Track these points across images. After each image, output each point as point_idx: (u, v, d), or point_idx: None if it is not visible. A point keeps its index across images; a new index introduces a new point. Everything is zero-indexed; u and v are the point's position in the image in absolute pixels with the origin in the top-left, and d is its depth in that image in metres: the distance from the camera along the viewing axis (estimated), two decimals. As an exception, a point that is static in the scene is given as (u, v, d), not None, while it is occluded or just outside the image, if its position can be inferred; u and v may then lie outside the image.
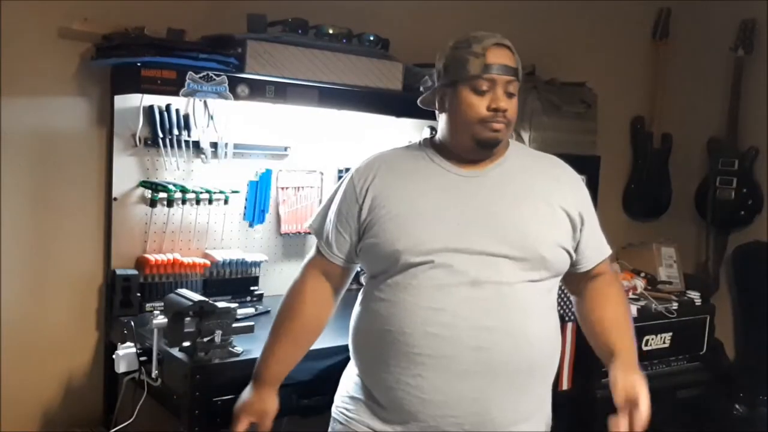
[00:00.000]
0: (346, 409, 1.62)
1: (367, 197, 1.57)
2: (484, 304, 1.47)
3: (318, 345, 2.02)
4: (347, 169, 2.68)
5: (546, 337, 1.56)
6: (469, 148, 1.56)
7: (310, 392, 2.00)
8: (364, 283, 1.66)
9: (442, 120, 1.61)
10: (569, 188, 1.62)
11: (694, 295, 3.07)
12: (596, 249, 1.65)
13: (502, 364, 1.48)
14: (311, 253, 1.70)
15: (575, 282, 1.70)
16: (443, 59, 1.57)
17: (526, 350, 1.50)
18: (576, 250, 1.61)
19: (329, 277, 1.66)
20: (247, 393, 1.68)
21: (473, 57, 1.50)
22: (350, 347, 1.65)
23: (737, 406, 3.31)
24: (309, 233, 2.67)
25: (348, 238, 1.60)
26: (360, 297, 1.65)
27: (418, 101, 1.75)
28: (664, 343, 2.86)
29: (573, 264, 1.62)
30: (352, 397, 1.62)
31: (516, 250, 1.50)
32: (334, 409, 1.67)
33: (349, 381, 1.65)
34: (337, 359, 2.01)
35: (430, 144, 1.64)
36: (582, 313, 1.69)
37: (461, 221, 1.51)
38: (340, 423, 1.62)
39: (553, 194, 1.58)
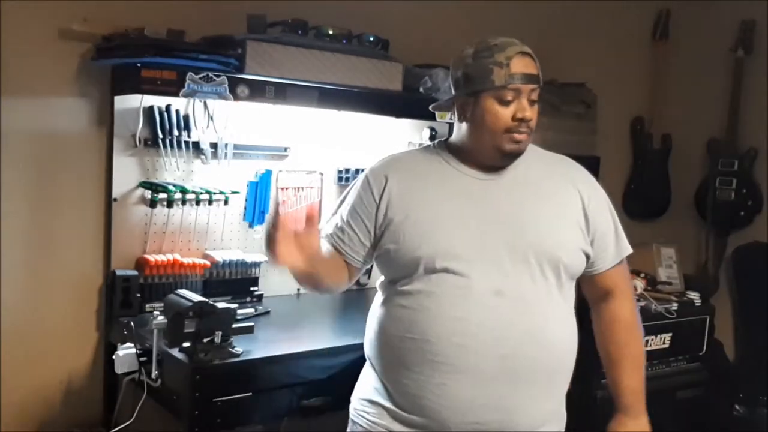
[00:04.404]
0: (366, 413, 1.60)
1: (383, 198, 1.56)
2: (508, 313, 1.47)
3: (318, 345, 2.04)
4: (347, 170, 2.72)
5: (566, 340, 1.57)
6: (493, 157, 1.55)
7: (310, 392, 2.00)
8: (378, 288, 1.65)
9: (461, 128, 1.59)
10: (585, 188, 1.61)
11: (694, 296, 3.07)
12: (612, 250, 1.64)
13: (526, 371, 1.49)
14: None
15: (590, 288, 1.69)
16: (462, 68, 1.54)
17: (548, 355, 1.51)
18: (592, 250, 1.60)
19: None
20: None
21: (497, 67, 1.48)
22: (369, 351, 1.64)
23: (737, 407, 3.31)
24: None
25: (364, 240, 1.58)
26: (378, 301, 1.63)
27: (432, 107, 1.74)
28: (664, 343, 2.86)
29: (589, 265, 1.62)
30: (371, 401, 1.60)
31: (536, 254, 1.50)
32: (352, 411, 1.66)
33: (368, 384, 1.64)
34: (336, 360, 2.01)
35: (446, 147, 1.63)
36: (595, 335, 1.71)
37: (481, 226, 1.50)
38: (361, 426, 1.61)
39: (569, 195, 1.58)
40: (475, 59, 1.52)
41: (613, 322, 1.67)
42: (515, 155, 1.54)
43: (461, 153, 1.59)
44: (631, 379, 1.66)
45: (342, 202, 1.65)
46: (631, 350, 1.67)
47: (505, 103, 1.49)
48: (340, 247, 1.60)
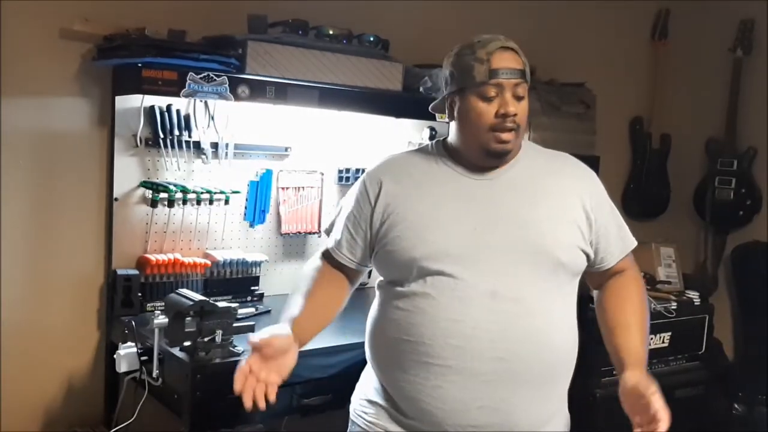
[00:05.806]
0: (365, 413, 1.60)
1: (380, 201, 1.55)
2: (505, 315, 1.45)
3: (317, 344, 2.03)
4: (347, 170, 2.73)
5: (567, 340, 1.55)
6: (479, 157, 1.53)
7: (309, 392, 2.01)
8: (376, 289, 1.65)
9: (452, 127, 1.59)
10: (584, 186, 1.59)
11: (693, 295, 3.08)
12: (618, 244, 1.62)
13: (524, 373, 1.47)
14: (324, 247, 1.68)
15: (597, 278, 1.66)
16: (449, 66, 1.54)
17: (548, 357, 1.49)
18: (596, 248, 1.58)
19: (341, 270, 1.64)
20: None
21: (478, 63, 1.47)
22: (368, 352, 1.64)
23: (736, 406, 3.31)
24: (309, 233, 2.69)
25: (360, 243, 1.58)
26: (376, 302, 1.63)
27: (430, 108, 1.74)
28: (663, 342, 2.87)
29: (595, 263, 1.60)
30: (371, 401, 1.60)
31: (533, 255, 1.48)
32: (352, 411, 1.66)
33: (369, 384, 1.64)
34: (336, 359, 2.02)
35: (443, 147, 1.62)
36: (599, 310, 1.66)
37: (478, 227, 1.49)
38: (359, 426, 1.61)
39: (568, 194, 1.56)
40: (458, 57, 1.52)
41: (623, 295, 1.62)
42: (501, 155, 1.52)
43: (456, 153, 1.58)
44: (638, 343, 1.57)
45: (342, 206, 1.65)
46: (638, 318, 1.60)
47: (488, 99, 1.48)
48: (338, 255, 1.61)
